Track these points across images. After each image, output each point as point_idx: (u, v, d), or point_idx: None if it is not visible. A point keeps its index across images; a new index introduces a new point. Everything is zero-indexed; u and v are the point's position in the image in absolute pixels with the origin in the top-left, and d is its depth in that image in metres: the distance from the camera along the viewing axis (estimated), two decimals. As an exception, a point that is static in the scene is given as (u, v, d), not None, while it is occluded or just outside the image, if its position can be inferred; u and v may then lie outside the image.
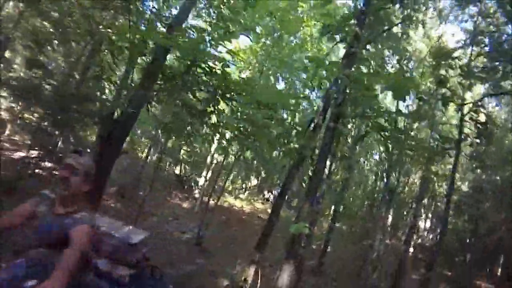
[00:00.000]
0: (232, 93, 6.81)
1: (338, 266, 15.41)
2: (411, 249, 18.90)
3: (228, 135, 8.80)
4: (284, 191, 9.89)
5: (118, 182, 15.20)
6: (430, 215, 23.35)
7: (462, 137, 12.11)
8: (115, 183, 15.05)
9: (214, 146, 18.96)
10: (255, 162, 28.37)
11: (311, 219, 6.21)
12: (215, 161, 19.31)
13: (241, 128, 7.50)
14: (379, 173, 22.11)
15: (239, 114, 7.53)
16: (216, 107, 7.30)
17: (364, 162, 24.06)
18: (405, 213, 21.62)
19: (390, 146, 9.53)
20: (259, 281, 8.32)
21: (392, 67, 13.53)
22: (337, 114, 6.63)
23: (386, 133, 7.77)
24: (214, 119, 7.74)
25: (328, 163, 11.11)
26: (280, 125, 8.26)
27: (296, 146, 8.31)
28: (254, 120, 6.94)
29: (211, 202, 20.33)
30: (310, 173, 7.39)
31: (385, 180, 15.80)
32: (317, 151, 7.86)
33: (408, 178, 20.18)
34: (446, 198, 13.00)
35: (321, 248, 15.19)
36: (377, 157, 22.73)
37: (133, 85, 9.28)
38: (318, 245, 16.26)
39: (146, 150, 18.57)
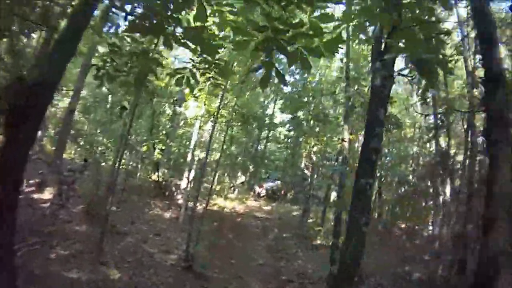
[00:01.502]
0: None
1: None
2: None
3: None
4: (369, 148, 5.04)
5: (84, 198, 12.28)
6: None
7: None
8: (79, 200, 12.18)
9: (193, 139, 16.19)
10: (239, 158, 25.81)
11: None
12: (197, 158, 16.50)
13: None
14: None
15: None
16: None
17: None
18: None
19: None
20: None
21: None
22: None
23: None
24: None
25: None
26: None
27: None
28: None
29: (198, 207, 17.69)
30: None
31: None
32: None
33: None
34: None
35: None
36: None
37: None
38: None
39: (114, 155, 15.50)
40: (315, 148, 16.51)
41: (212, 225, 13.83)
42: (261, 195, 25.90)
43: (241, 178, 29.06)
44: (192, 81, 4.88)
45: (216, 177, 28.05)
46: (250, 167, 27.09)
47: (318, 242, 13.27)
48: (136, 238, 11.19)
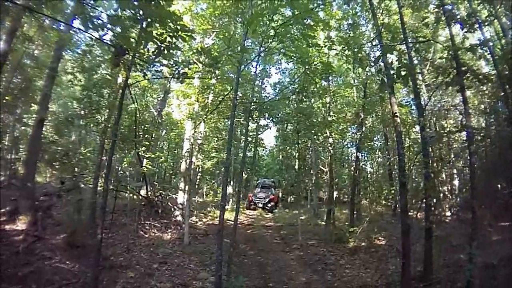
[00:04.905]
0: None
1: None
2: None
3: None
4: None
5: (65, 226, 9.59)
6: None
7: None
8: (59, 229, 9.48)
9: (185, 143, 13.65)
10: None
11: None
12: (193, 166, 13.93)
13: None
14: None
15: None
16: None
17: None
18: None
19: None
20: None
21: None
22: None
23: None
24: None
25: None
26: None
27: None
28: None
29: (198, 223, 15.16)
30: None
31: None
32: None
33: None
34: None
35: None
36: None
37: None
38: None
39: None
40: (330, 140, 14.36)
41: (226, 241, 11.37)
42: (252, 206, 23.53)
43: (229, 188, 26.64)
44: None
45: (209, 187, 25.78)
46: (244, 174, 24.68)
47: (354, 244, 11.14)
48: (138, 271, 8.58)
